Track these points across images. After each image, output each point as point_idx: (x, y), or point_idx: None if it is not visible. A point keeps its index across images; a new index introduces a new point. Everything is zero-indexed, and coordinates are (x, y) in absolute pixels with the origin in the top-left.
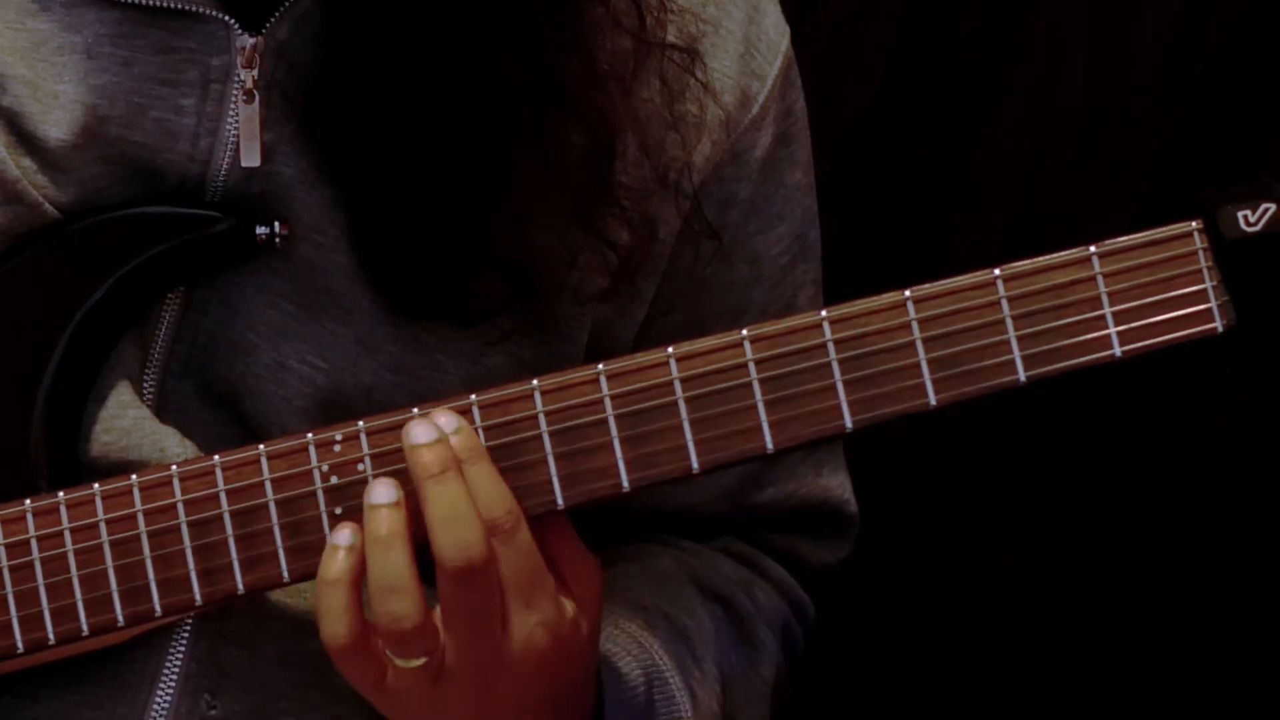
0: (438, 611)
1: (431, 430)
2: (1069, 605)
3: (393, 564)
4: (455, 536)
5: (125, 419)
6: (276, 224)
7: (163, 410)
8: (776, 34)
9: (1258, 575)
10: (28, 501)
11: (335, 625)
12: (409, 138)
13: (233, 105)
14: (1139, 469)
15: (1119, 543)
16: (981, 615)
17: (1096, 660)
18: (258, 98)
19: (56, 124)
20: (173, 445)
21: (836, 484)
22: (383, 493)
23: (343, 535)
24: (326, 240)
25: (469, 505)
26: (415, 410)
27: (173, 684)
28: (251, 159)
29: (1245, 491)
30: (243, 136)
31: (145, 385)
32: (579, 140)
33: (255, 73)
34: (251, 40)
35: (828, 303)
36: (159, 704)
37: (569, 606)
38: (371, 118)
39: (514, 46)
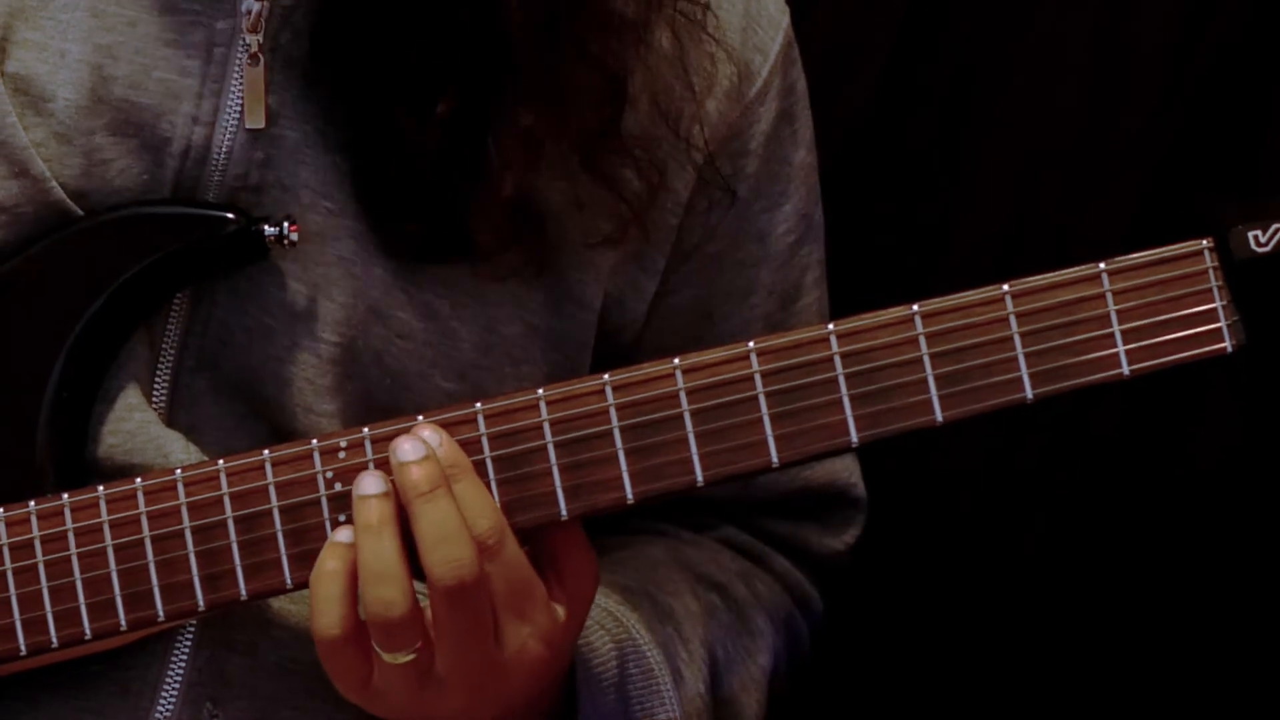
0: (428, 611)
1: (420, 447)
2: (1071, 606)
3: (383, 551)
4: (446, 554)
5: (131, 421)
6: (286, 224)
7: (175, 407)
8: (777, 11)
9: (1258, 578)
10: (32, 503)
11: (328, 616)
12: (412, 74)
13: (237, 68)
14: (1143, 473)
15: (1123, 545)
16: (983, 616)
17: (1099, 660)
18: (262, 61)
19: (64, 84)
20: (177, 450)
21: (843, 467)
22: (371, 483)
23: (343, 533)
24: (334, 205)
25: (459, 522)
26: (420, 418)
27: (175, 692)
28: (255, 121)
29: (1247, 498)
30: (247, 99)
31: (157, 384)
32: (588, 82)
33: (260, 37)
34: (257, 5)
35: (831, 310)
36: (161, 712)
37: (560, 611)
38: (374, 72)
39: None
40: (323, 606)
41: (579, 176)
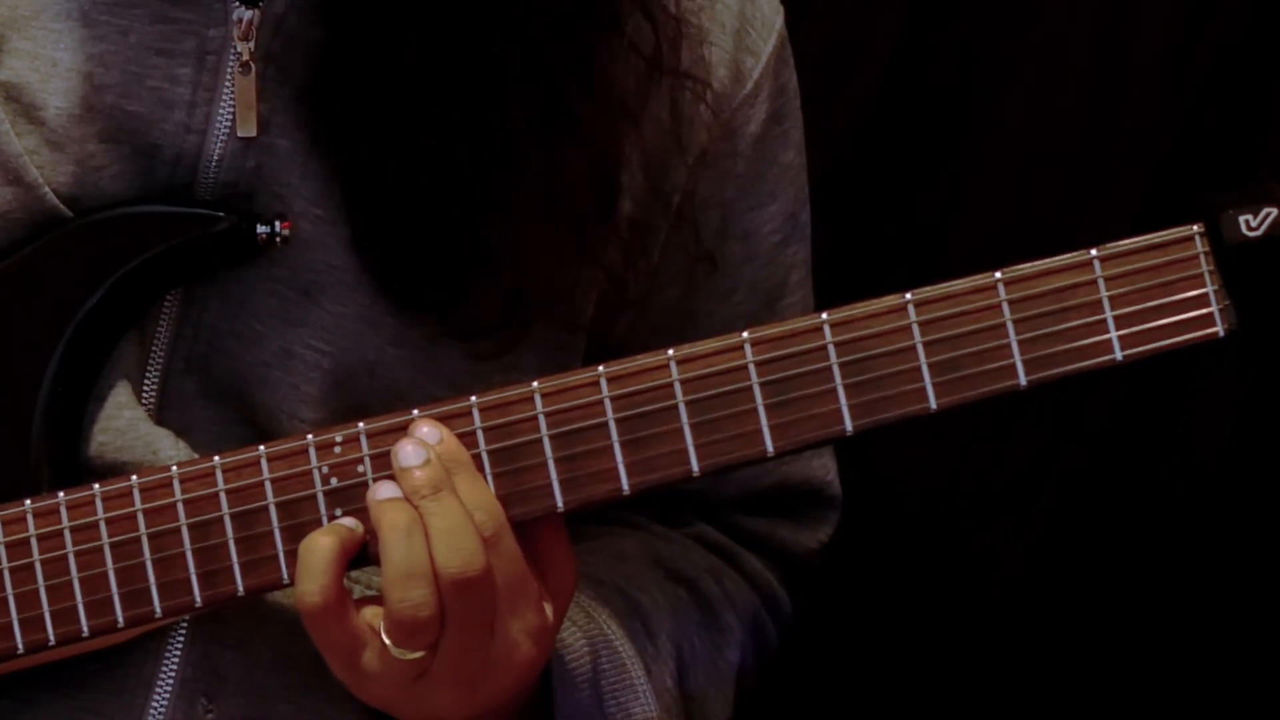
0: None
1: (420, 451)
2: (1068, 603)
3: (416, 551)
4: (453, 544)
5: (121, 419)
6: (277, 223)
7: (165, 409)
8: (771, 12)
9: (1257, 574)
10: (28, 502)
11: (310, 583)
12: (404, 112)
13: (229, 76)
14: (1139, 468)
15: (1119, 540)
16: (981, 613)
17: (1096, 658)
18: (253, 69)
19: (55, 93)
20: (166, 447)
21: (819, 465)
22: (390, 488)
23: (348, 520)
24: (325, 213)
25: (464, 516)
26: (415, 412)
27: (169, 688)
28: (247, 129)
29: (1245, 490)
30: (239, 107)
31: (146, 385)
32: (585, 171)
33: (251, 45)
34: (249, 13)
35: (827, 303)
36: (156, 708)
37: (549, 610)
38: (367, 90)
39: (524, 77)
40: (306, 573)
41: (569, 261)
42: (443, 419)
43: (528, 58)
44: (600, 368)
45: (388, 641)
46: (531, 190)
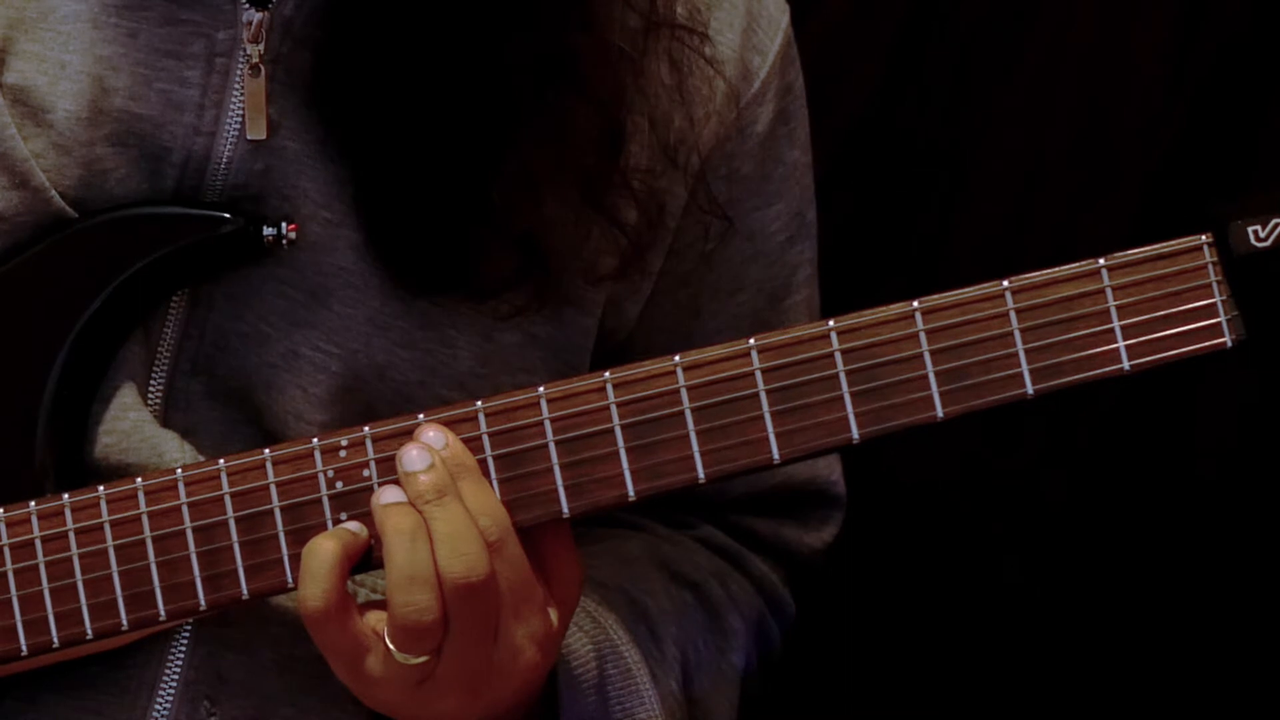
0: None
1: (425, 455)
2: (1069, 605)
3: (420, 555)
4: (457, 548)
5: (126, 421)
6: (284, 224)
7: (171, 410)
8: (777, 10)
9: (1256, 576)
10: (33, 503)
11: (312, 587)
12: (415, 113)
13: (238, 79)
14: (1139, 471)
15: (1119, 543)
16: (982, 614)
17: (1097, 659)
18: (263, 72)
19: (63, 95)
20: (171, 450)
21: (824, 465)
22: (395, 492)
23: (352, 524)
24: (334, 216)
25: (468, 521)
26: (421, 416)
27: (172, 690)
28: (257, 132)
29: (1244, 493)
30: (248, 110)
31: (152, 385)
32: (589, 119)
33: (261, 47)
34: (258, 15)
35: (828, 301)
36: (158, 710)
37: (554, 615)
38: (377, 91)
39: (522, 24)
40: (309, 577)
41: (580, 212)
42: (449, 423)
43: (533, 54)
44: (607, 373)
45: (391, 646)
46: (534, 138)
